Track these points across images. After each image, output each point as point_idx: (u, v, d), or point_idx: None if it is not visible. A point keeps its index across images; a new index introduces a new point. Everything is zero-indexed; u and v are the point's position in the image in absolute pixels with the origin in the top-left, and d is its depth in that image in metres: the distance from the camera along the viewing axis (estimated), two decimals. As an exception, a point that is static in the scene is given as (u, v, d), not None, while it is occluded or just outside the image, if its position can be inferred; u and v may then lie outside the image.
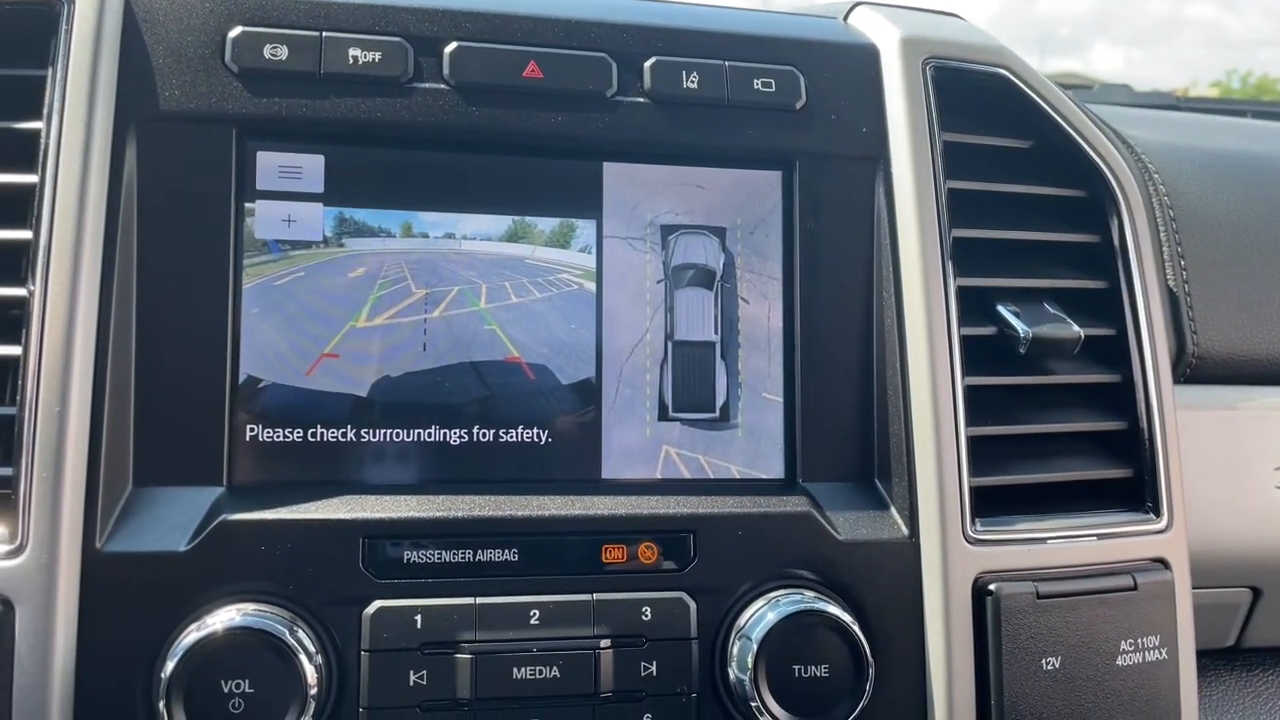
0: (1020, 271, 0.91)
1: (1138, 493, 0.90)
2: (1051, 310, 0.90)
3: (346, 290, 0.79)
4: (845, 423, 0.85)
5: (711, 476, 0.83)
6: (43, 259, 0.71)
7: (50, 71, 0.74)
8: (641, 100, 0.83)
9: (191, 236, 0.76)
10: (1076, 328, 0.88)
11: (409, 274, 0.80)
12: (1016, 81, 0.91)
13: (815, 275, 0.85)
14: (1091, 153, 0.92)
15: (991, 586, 0.81)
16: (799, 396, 0.84)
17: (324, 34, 0.79)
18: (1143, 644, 0.85)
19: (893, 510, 0.83)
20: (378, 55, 0.79)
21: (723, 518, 0.78)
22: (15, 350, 0.71)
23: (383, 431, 0.78)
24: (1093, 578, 0.84)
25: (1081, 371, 0.90)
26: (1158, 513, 0.89)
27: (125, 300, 0.74)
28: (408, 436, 0.78)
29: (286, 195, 0.79)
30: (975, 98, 0.91)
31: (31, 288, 0.71)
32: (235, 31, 0.78)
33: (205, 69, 0.77)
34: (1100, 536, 0.86)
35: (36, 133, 0.74)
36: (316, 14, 0.79)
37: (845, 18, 0.96)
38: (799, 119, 0.86)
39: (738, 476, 0.84)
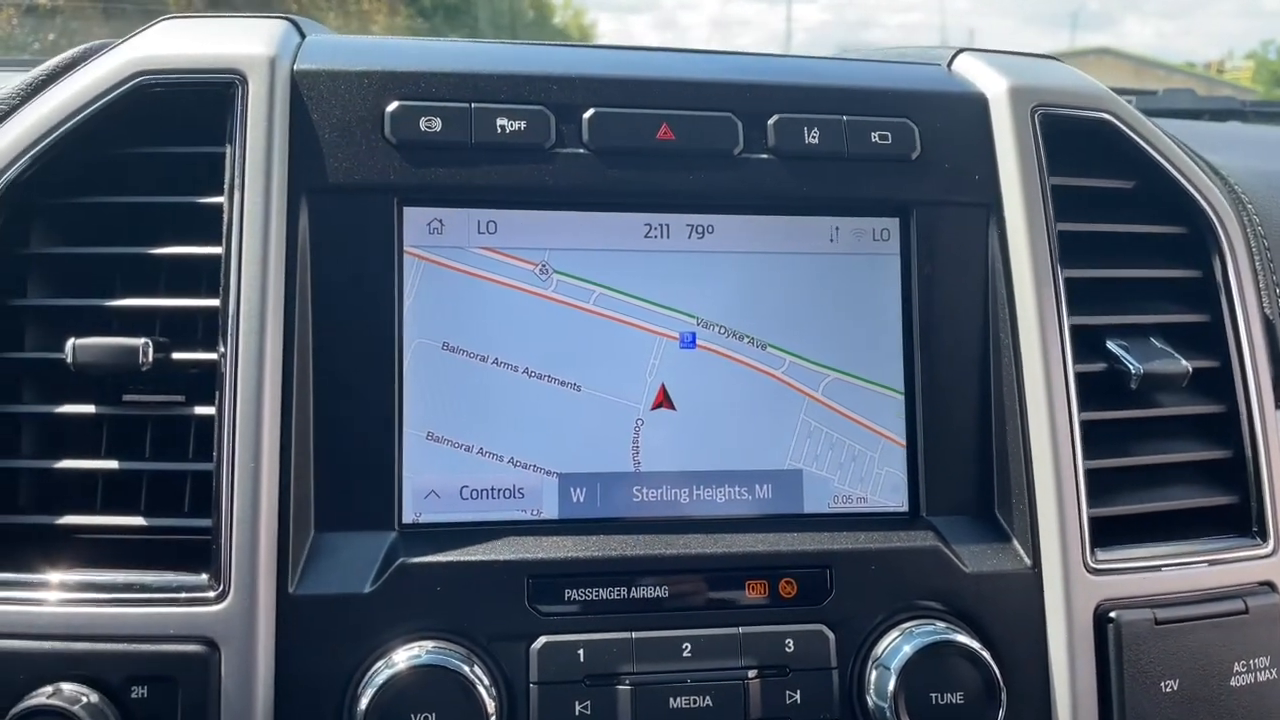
0: (1126, 308, 0.95)
1: (1244, 518, 0.93)
2: (1158, 345, 0.94)
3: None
4: (965, 458, 0.89)
5: (840, 511, 0.88)
6: (233, 324, 0.77)
7: (229, 149, 0.81)
8: (766, 157, 0.88)
9: (360, 297, 0.82)
10: (1185, 362, 0.92)
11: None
12: (1120, 125, 0.95)
13: (933, 317, 0.90)
14: (1193, 191, 0.96)
15: (1112, 614, 0.85)
16: (921, 433, 0.89)
17: (473, 105, 0.85)
18: (1254, 665, 0.88)
19: (1014, 542, 0.87)
20: (523, 124, 0.85)
21: (857, 553, 0.83)
22: (210, 410, 0.77)
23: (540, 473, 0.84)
24: (1206, 603, 0.88)
25: (1188, 403, 0.94)
26: (1264, 537, 0.92)
27: (304, 359, 0.80)
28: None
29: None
30: (1078, 141, 0.95)
31: (222, 350, 0.77)
32: (393, 106, 0.83)
33: (367, 141, 0.83)
34: (1211, 563, 0.90)
35: (218, 207, 0.80)
36: (465, 86, 0.85)
37: (949, 64, 1.00)
38: (915, 169, 0.90)
39: (865, 510, 0.89)
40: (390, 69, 0.85)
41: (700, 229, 0.89)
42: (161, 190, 0.82)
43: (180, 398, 0.80)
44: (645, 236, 0.88)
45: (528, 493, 0.85)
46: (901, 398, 0.90)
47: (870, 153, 0.90)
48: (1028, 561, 0.86)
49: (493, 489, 0.84)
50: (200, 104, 0.82)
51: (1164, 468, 0.93)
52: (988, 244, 0.91)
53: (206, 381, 0.79)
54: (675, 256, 0.88)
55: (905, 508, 0.89)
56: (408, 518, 0.82)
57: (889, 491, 0.89)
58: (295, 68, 0.83)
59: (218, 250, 0.79)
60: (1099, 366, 0.92)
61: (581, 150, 0.86)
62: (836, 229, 0.91)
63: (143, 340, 0.77)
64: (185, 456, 0.81)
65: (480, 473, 0.84)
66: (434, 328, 0.84)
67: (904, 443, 0.90)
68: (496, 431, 0.84)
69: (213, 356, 0.78)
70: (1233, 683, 0.87)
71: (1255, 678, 0.88)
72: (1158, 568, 0.88)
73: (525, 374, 0.85)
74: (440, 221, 0.85)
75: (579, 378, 0.86)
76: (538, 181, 0.85)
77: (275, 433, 0.77)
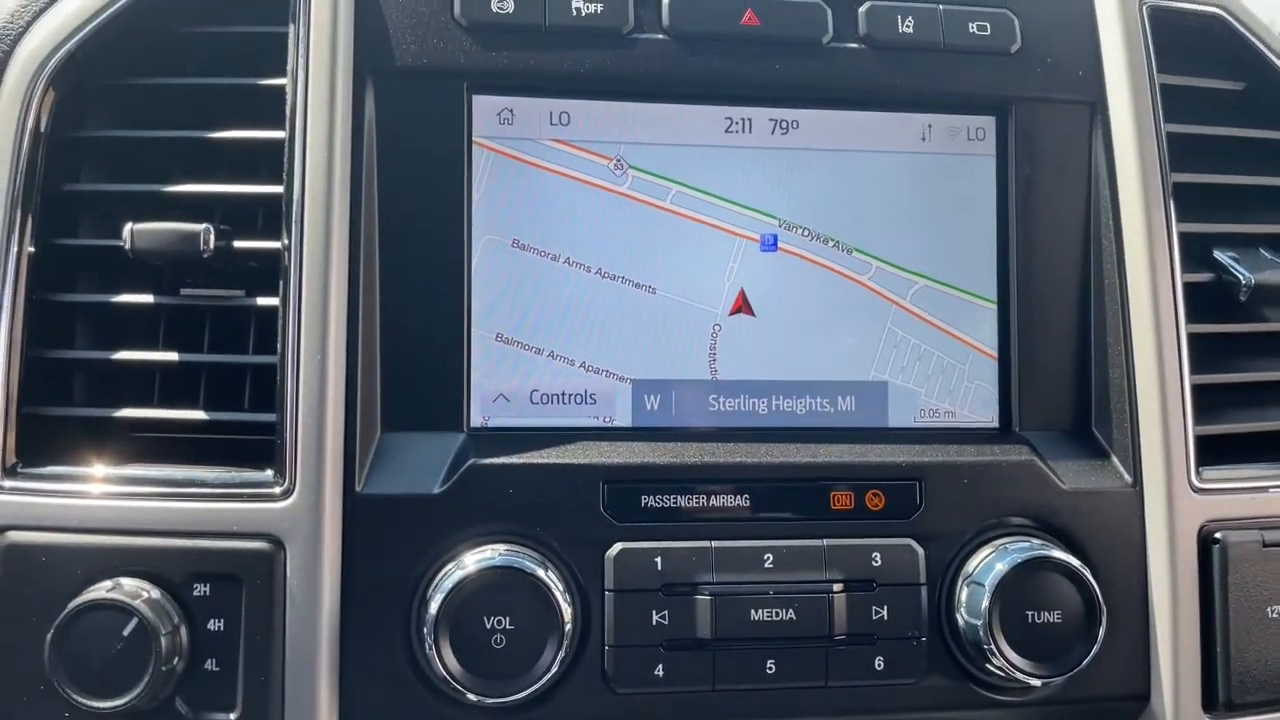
0: (1234, 216, 0.89)
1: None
2: (1269, 256, 0.88)
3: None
4: (1061, 372, 0.84)
5: (927, 425, 0.84)
6: (297, 211, 0.73)
7: (292, 28, 0.76)
8: (856, 46, 0.83)
9: (427, 188, 0.77)
10: None
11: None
12: (1233, 23, 0.89)
13: (1030, 222, 0.84)
14: None
15: (1218, 535, 0.80)
16: (1014, 345, 0.84)
17: None
18: (1365, 594, 0.83)
19: (1114, 459, 0.82)
20: (599, 6, 0.80)
21: (948, 466, 0.79)
22: (273, 301, 0.74)
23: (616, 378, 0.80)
24: (1312, 529, 0.83)
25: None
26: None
27: (370, 251, 0.76)
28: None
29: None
30: (1187, 38, 0.89)
31: (286, 241, 0.73)
32: None
33: (435, 22, 0.78)
34: (1322, 486, 0.84)
35: (280, 89, 0.76)
36: None
37: None
38: (1014, 63, 0.84)
39: (953, 425, 0.84)
40: None
41: (784, 124, 0.84)
42: (220, 71, 0.78)
43: (240, 291, 0.77)
44: (726, 131, 0.83)
45: (600, 399, 0.81)
46: (994, 307, 0.85)
47: (967, 44, 0.84)
48: (1128, 479, 0.81)
49: (563, 394, 0.80)
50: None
51: (1273, 385, 0.87)
52: (1091, 145, 0.85)
53: (267, 274, 0.75)
54: (757, 153, 0.83)
55: (996, 423, 0.84)
56: (475, 421, 0.78)
57: (979, 405, 0.85)
58: None
59: (280, 134, 0.75)
60: (1205, 277, 0.86)
61: (660, 35, 0.81)
62: (929, 126, 0.85)
63: (204, 226, 0.73)
64: (245, 351, 0.78)
65: (551, 377, 0.80)
66: (503, 223, 0.80)
67: (995, 355, 0.85)
68: (568, 334, 0.80)
69: (276, 245, 0.74)
70: (1342, 610, 0.82)
71: (1365, 607, 0.83)
72: (1265, 489, 0.83)
73: (598, 274, 0.81)
74: (511, 111, 0.80)
75: (654, 280, 0.82)
76: (614, 69, 0.80)
77: (341, 326, 0.73)
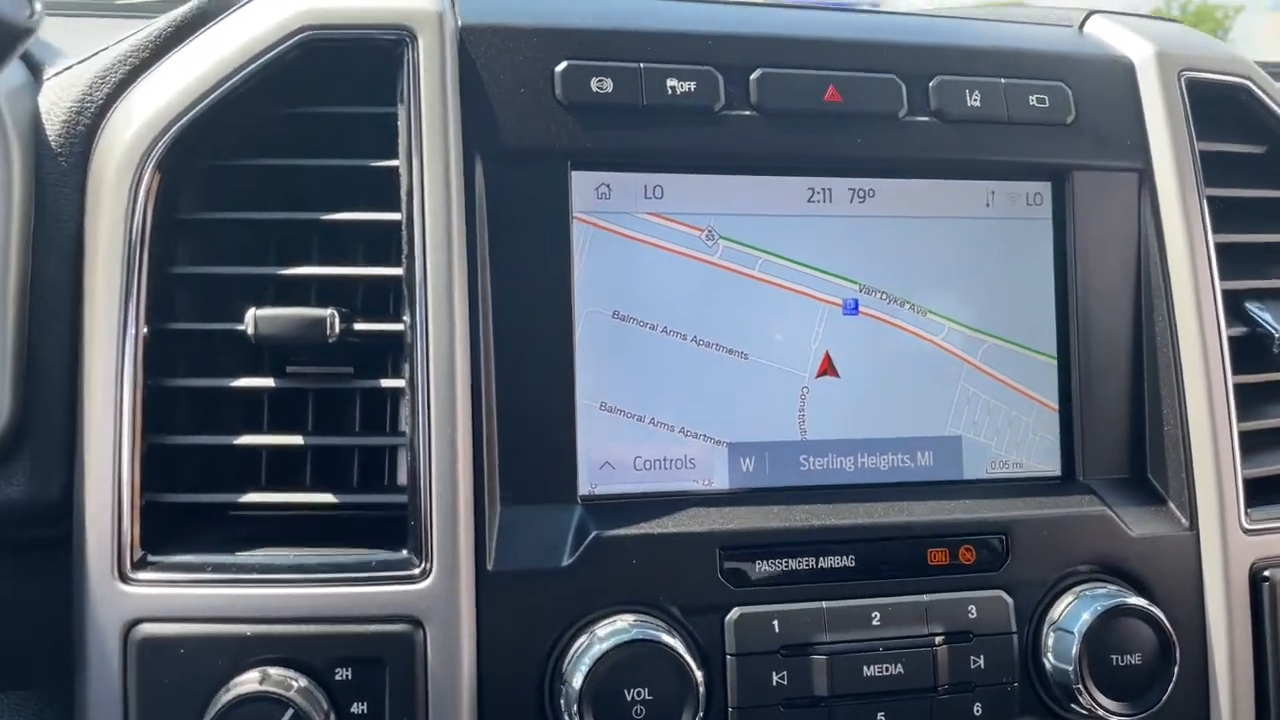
0: (1261, 272, 0.96)
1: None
2: (1293, 305, 0.95)
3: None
4: (1117, 422, 0.90)
5: (998, 476, 0.89)
6: (420, 292, 0.74)
7: (403, 109, 0.77)
8: (928, 119, 0.87)
9: (534, 265, 0.79)
10: None
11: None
12: (1257, 91, 0.96)
13: (1089, 281, 0.90)
14: None
15: (1267, 573, 0.87)
16: (1075, 398, 0.89)
17: (642, 65, 0.82)
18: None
19: (1170, 504, 0.88)
20: (693, 85, 0.82)
21: (1032, 520, 0.84)
22: (396, 382, 0.75)
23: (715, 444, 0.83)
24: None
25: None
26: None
27: (485, 327, 0.77)
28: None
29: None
30: (1214, 107, 0.96)
31: (408, 320, 0.75)
32: (563, 65, 0.80)
33: (537, 103, 0.80)
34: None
35: (393, 170, 0.77)
36: (634, 44, 0.82)
37: (1081, 27, 1.00)
38: (1070, 133, 0.90)
39: (1021, 475, 0.89)
40: (558, 25, 0.81)
41: (861, 193, 0.88)
42: (330, 152, 0.78)
43: (349, 369, 0.78)
44: (808, 201, 0.87)
45: (698, 463, 0.84)
46: (1055, 362, 0.90)
47: (1028, 116, 0.89)
48: (1185, 523, 0.87)
49: (664, 459, 0.83)
50: (365, 61, 0.79)
51: (1299, 429, 0.95)
52: (1139, 209, 0.91)
53: (374, 352, 0.76)
54: (837, 221, 0.87)
55: (1059, 471, 0.90)
56: (584, 490, 0.80)
57: (1043, 456, 0.90)
58: (461, 22, 0.80)
59: (396, 216, 0.76)
60: (1242, 330, 0.93)
61: (749, 112, 0.84)
62: (992, 193, 0.90)
63: (330, 311, 0.73)
64: (350, 429, 0.78)
65: (652, 443, 0.83)
66: (604, 296, 0.82)
67: (1057, 407, 0.90)
68: (667, 401, 0.83)
69: (398, 327, 0.75)
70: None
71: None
72: (1304, 522, 0.90)
73: (694, 342, 0.84)
74: (607, 186, 0.83)
75: (746, 345, 0.85)
76: (706, 145, 0.83)
77: (467, 404, 0.74)
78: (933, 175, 0.88)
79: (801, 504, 0.82)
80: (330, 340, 0.73)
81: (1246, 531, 0.87)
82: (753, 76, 0.84)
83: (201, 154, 0.78)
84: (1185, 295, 0.89)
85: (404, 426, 0.75)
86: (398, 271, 0.76)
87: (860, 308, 0.87)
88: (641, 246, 0.83)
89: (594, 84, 0.81)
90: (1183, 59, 0.94)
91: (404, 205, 0.76)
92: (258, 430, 0.77)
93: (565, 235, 0.80)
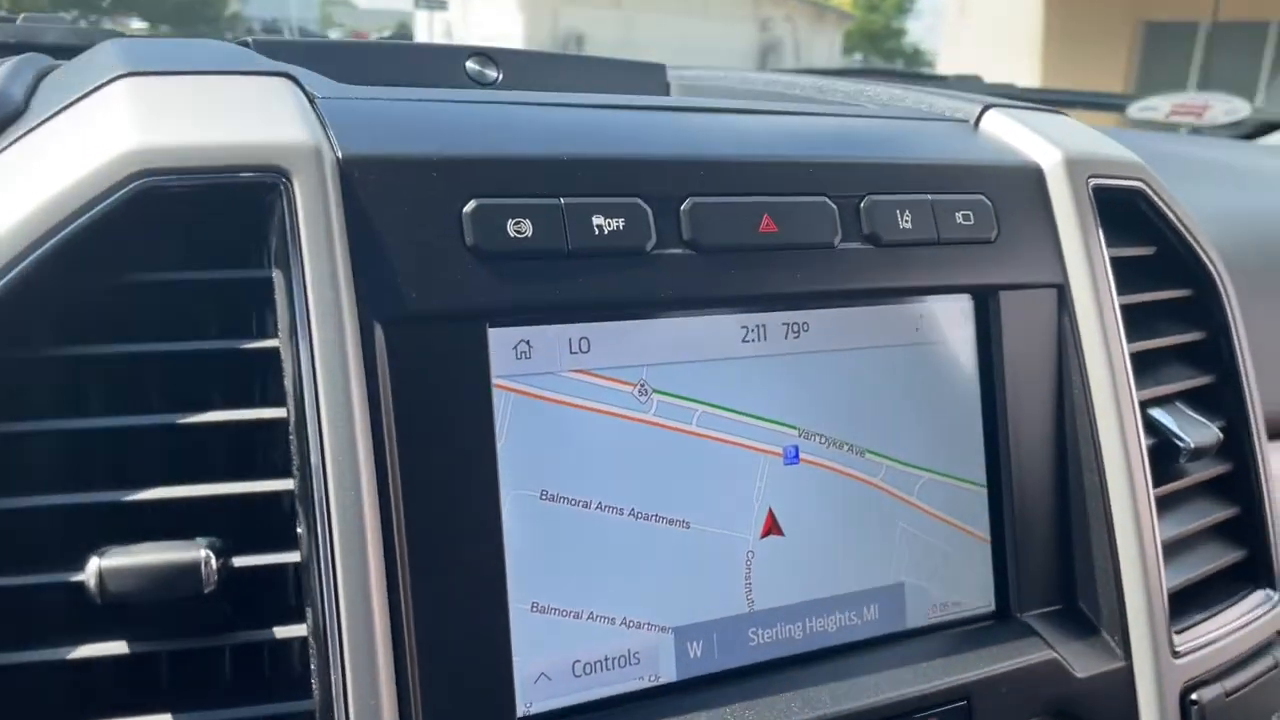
0: (1160, 377, 0.95)
1: (1253, 571, 0.98)
2: (1189, 413, 0.95)
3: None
4: (1049, 548, 0.87)
5: (939, 621, 0.83)
6: (320, 513, 0.59)
7: (280, 273, 0.61)
8: (861, 246, 0.80)
9: (451, 448, 0.65)
10: (1217, 430, 0.94)
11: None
12: (1150, 192, 0.95)
13: (1015, 404, 0.86)
14: (1202, 254, 0.98)
15: (1194, 695, 0.86)
16: (1008, 526, 0.85)
17: (563, 200, 0.69)
18: (1285, 714, 0.94)
19: (1104, 634, 0.86)
20: (621, 222, 0.71)
21: (987, 681, 0.78)
22: (300, 630, 0.59)
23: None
24: (1249, 664, 0.92)
25: (1211, 467, 0.97)
26: (1274, 586, 0.97)
27: (400, 540, 0.62)
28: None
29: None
30: (1111, 208, 0.94)
31: (303, 547, 0.59)
32: (472, 206, 0.66)
33: (446, 254, 0.65)
34: (1245, 624, 0.94)
35: (272, 353, 0.61)
36: (551, 174, 0.69)
37: (977, 123, 0.95)
38: (994, 250, 0.85)
39: (960, 616, 0.84)
40: (461, 155, 0.67)
41: (796, 327, 0.79)
42: (184, 332, 0.61)
43: (225, 619, 0.61)
44: (743, 341, 0.77)
45: (643, 657, 0.73)
46: (985, 491, 0.86)
47: (956, 234, 0.83)
48: (1120, 653, 0.85)
49: (606, 659, 0.71)
50: (223, 213, 0.62)
51: (1196, 533, 0.96)
52: (1059, 324, 0.88)
53: (258, 588, 0.60)
54: (773, 361, 0.78)
55: (993, 606, 0.86)
56: (520, 711, 0.68)
57: (979, 591, 0.85)
58: (342, 156, 0.64)
59: (280, 413, 0.60)
60: (1151, 441, 0.92)
61: (681, 250, 0.73)
62: (921, 316, 0.84)
63: (203, 551, 0.56)
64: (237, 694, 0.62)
65: (592, 641, 0.71)
66: (530, 474, 0.69)
67: (989, 538, 0.86)
68: (606, 589, 0.71)
69: (292, 557, 0.59)
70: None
71: (1287, 726, 0.94)
72: (1217, 639, 0.90)
73: (631, 516, 0.72)
74: (528, 343, 0.69)
75: (687, 513, 0.74)
76: (639, 290, 0.71)
77: (389, 649, 0.60)
78: (866, 302, 0.81)
79: (753, 691, 0.73)
80: (208, 590, 0.57)
81: (1175, 655, 0.86)
82: (684, 208, 0.73)
83: (23, 343, 0.58)
84: (1107, 411, 0.87)
85: (312, 681, 0.59)
86: (286, 485, 0.60)
87: (801, 455, 0.79)
88: (569, 410, 0.71)
89: (511, 228, 0.67)
90: (1088, 164, 0.91)
91: (291, 399, 0.60)
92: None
93: (486, 408, 0.67)
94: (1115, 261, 0.93)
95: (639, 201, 0.71)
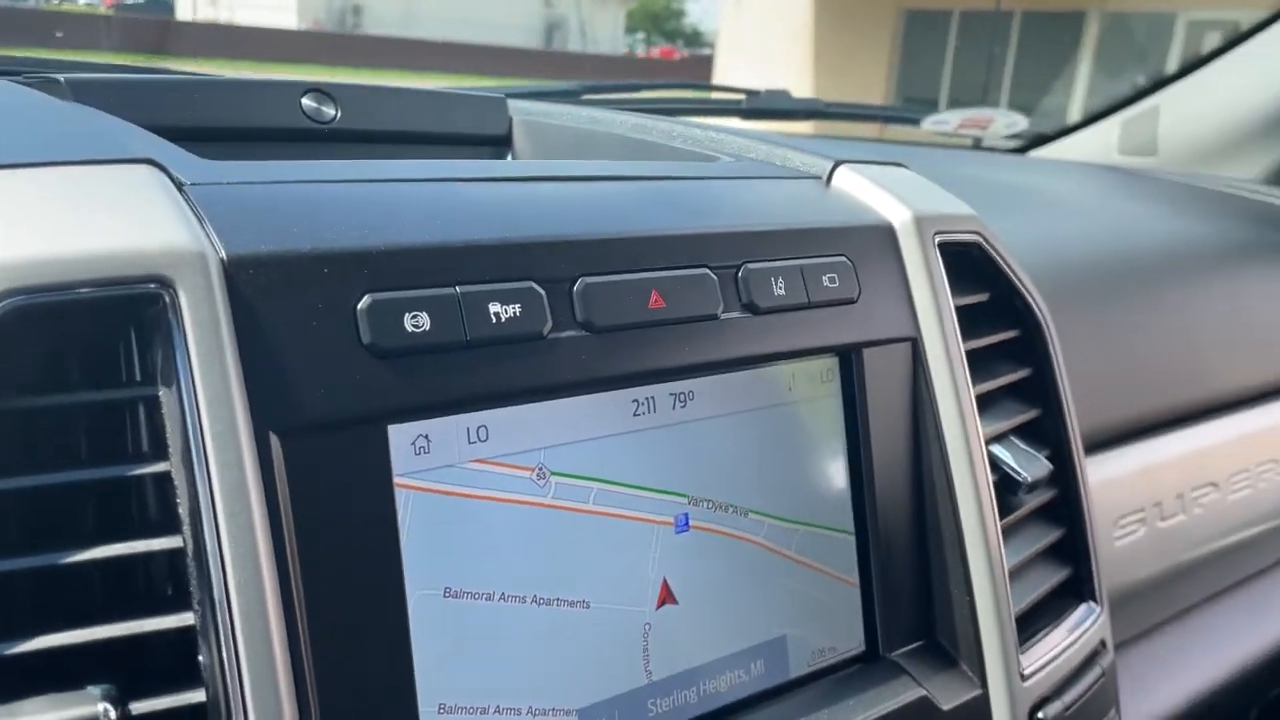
0: (995, 415, 1.03)
1: (1076, 588, 1.08)
2: (1023, 447, 1.03)
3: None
4: (911, 587, 0.92)
5: (819, 667, 0.87)
6: (227, 649, 0.55)
7: (169, 391, 0.56)
8: (741, 315, 0.81)
9: (354, 557, 0.63)
10: (1047, 462, 1.02)
11: (572, 546, 0.73)
12: (986, 245, 1.01)
13: (878, 453, 0.90)
14: (1029, 296, 1.06)
15: (1040, 715, 0.94)
16: (874, 569, 0.90)
17: (459, 289, 0.67)
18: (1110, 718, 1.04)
19: (962, 665, 0.92)
20: (518, 308, 0.69)
21: None
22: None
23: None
24: (1080, 677, 1.01)
25: (1039, 494, 1.05)
26: (1097, 601, 1.07)
27: (307, 663, 0.59)
28: None
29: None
30: (952, 259, 1.00)
31: (206, 686, 0.55)
32: (366, 302, 0.64)
33: (341, 355, 0.62)
34: (1076, 639, 1.03)
35: (163, 477, 0.56)
36: (444, 262, 0.67)
37: (829, 180, 0.99)
38: (857, 309, 0.89)
39: (836, 660, 0.88)
40: (351, 248, 0.64)
41: (682, 397, 0.80)
42: (61, 462, 0.55)
43: None
44: (634, 415, 0.77)
45: (550, 741, 0.72)
46: (853, 538, 0.90)
47: (824, 297, 0.87)
48: (977, 682, 0.91)
49: (526, 752, 0.71)
50: (98, 327, 0.56)
51: (1032, 558, 1.04)
52: (914, 373, 0.93)
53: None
54: (661, 432, 0.79)
55: (864, 647, 0.90)
56: (437, 818, 0.66)
57: (850, 635, 0.90)
58: (225, 256, 0.60)
59: (176, 543, 0.56)
60: (995, 477, 0.99)
61: (575, 332, 0.73)
62: (794, 376, 0.87)
63: (100, 705, 0.52)
64: None
65: (510, 734, 0.70)
66: (433, 572, 0.67)
67: (857, 582, 0.90)
68: (512, 680, 0.70)
69: (196, 697, 0.55)
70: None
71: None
72: (1055, 657, 0.99)
73: (533, 603, 0.72)
74: (426, 438, 0.67)
75: (587, 593, 0.74)
76: (537, 375, 0.70)
77: None
78: (745, 368, 0.83)
79: None
80: None
81: (1023, 678, 0.94)
82: (576, 289, 0.73)
83: None
84: (959, 453, 0.92)
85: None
86: (186, 619, 0.56)
87: (690, 522, 0.80)
88: (469, 502, 0.69)
89: (408, 322, 0.65)
90: (934, 221, 0.96)
91: (187, 526, 0.56)
92: None
93: (390, 510, 0.64)
94: (958, 310, 0.99)
95: (534, 285, 0.70)
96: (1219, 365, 1.49)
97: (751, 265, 0.82)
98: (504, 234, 0.71)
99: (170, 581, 0.57)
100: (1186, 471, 1.39)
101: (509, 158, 1.25)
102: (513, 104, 1.27)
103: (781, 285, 0.84)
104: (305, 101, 1.11)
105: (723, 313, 0.80)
